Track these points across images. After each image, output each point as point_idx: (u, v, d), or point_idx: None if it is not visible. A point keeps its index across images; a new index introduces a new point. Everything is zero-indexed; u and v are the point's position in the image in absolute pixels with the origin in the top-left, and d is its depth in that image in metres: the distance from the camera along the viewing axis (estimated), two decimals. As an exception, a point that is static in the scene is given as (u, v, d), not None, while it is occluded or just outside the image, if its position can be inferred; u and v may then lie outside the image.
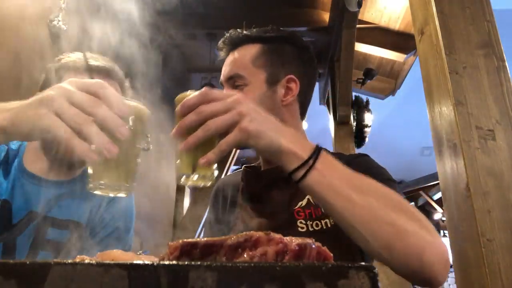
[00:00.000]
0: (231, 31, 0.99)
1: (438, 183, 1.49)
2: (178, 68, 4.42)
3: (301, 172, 0.59)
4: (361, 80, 4.33)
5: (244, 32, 0.97)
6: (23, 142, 1.03)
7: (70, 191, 1.00)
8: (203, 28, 4.01)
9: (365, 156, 0.93)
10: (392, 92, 4.83)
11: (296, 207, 0.83)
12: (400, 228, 0.58)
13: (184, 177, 0.61)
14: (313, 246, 0.34)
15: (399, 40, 3.95)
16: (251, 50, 0.94)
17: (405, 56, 3.96)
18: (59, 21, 2.08)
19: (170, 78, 4.03)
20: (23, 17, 1.88)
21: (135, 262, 0.26)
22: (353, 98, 4.29)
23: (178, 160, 0.62)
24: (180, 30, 3.97)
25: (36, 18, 1.98)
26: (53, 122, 0.50)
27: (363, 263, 0.26)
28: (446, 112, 1.37)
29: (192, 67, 4.71)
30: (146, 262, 0.26)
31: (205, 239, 0.32)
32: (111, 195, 0.59)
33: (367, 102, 4.38)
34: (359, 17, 3.62)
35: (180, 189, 4.43)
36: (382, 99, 4.98)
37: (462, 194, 1.25)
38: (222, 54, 1.00)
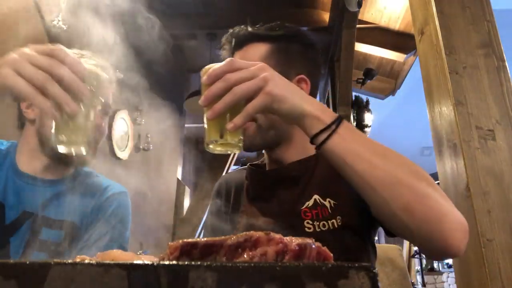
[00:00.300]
0: (235, 28, 0.93)
1: (438, 183, 1.48)
2: (178, 68, 4.42)
3: (323, 136, 0.61)
4: (361, 80, 4.33)
5: (250, 29, 0.91)
6: (13, 142, 1.02)
7: (63, 190, 0.99)
8: (203, 28, 4.01)
9: None
10: (392, 92, 4.83)
11: (303, 207, 0.82)
12: (420, 191, 0.59)
13: (212, 143, 0.63)
14: (313, 246, 0.34)
15: (399, 40, 3.94)
16: (259, 50, 0.89)
17: (405, 56, 3.96)
18: (59, 21, 2.08)
19: (170, 78, 4.03)
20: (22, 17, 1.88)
21: (135, 262, 0.26)
22: (353, 98, 4.29)
23: (206, 128, 0.64)
24: (180, 30, 3.97)
25: (35, 17, 1.98)
26: (16, 80, 0.54)
27: (363, 263, 0.26)
28: (446, 112, 1.37)
29: (192, 67, 4.71)
30: (146, 262, 0.26)
31: (205, 239, 0.32)
32: (67, 150, 0.62)
33: (367, 102, 4.38)
34: (359, 17, 3.62)
35: (180, 189, 4.43)
36: (382, 99, 4.97)
37: (462, 194, 1.25)
38: (224, 53, 0.94)
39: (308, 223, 0.80)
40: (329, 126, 0.61)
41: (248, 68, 0.62)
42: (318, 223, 0.79)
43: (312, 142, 0.63)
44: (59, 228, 0.94)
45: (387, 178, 0.59)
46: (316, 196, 0.83)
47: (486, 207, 1.19)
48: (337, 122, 0.62)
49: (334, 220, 0.79)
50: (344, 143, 0.61)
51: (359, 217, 0.79)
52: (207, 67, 0.66)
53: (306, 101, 0.63)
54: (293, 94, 0.62)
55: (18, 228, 0.91)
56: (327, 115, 0.62)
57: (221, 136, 0.62)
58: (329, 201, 0.81)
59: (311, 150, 0.88)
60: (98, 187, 1.04)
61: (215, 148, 0.64)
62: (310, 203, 0.82)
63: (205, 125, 0.64)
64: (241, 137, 0.64)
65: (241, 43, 0.90)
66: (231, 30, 0.93)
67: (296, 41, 0.92)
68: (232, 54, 0.91)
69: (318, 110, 0.63)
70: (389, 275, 1.27)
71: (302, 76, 0.90)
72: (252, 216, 0.87)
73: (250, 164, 0.98)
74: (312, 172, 0.86)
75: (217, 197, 1.01)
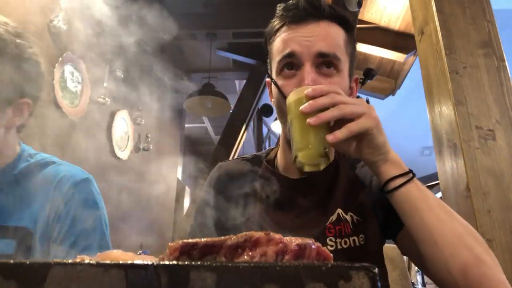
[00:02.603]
0: None
1: (438, 183, 1.48)
2: (178, 68, 4.42)
3: (401, 180, 0.62)
4: (361, 80, 4.33)
5: (332, 5, 0.79)
6: None
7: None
8: (203, 28, 4.01)
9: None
10: (392, 92, 4.83)
11: (328, 223, 0.78)
12: (478, 255, 0.59)
13: (300, 155, 0.63)
14: (313, 246, 0.34)
15: (399, 40, 3.94)
16: (341, 32, 0.79)
17: (405, 56, 3.96)
18: (59, 21, 2.08)
19: (170, 78, 4.03)
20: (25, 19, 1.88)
21: (135, 262, 0.26)
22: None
23: (296, 138, 0.64)
24: (180, 30, 3.97)
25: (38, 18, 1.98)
26: None
27: (363, 263, 0.26)
28: (446, 112, 1.36)
29: (192, 67, 4.71)
30: (146, 262, 0.26)
31: (204, 239, 0.32)
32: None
33: (367, 102, 4.37)
34: (359, 17, 3.62)
35: (180, 189, 4.43)
36: (382, 99, 4.97)
37: (462, 194, 1.25)
38: (293, 18, 0.78)
39: (331, 240, 0.76)
40: (407, 173, 0.63)
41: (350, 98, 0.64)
42: (340, 240, 0.76)
43: (384, 184, 0.64)
44: (5, 236, 0.79)
45: (451, 235, 0.60)
46: (339, 210, 0.79)
47: (486, 207, 1.19)
48: (412, 172, 0.64)
49: (355, 237, 0.76)
50: (419, 193, 0.62)
51: (381, 237, 0.78)
52: (296, 89, 0.66)
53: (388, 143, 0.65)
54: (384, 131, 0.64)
55: None
56: (403, 163, 0.65)
57: (309, 148, 0.62)
58: (351, 216, 0.78)
59: (334, 152, 0.85)
60: (50, 180, 0.86)
61: (305, 162, 0.63)
62: (334, 217, 0.78)
63: (292, 136, 0.64)
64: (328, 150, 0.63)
65: (322, 15, 0.77)
66: None
67: (354, 35, 0.84)
68: (299, 22, 0.77)
69: (397, 155, 0.65)
70: (389, 275, 1.27)
71: (357, 76, 0.85)
72: (269, 224, 0.80)
73: (266, 161, 0.89)
74: (334, 181, 0.82)
75: (216, 189, 0.89)
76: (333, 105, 0.61)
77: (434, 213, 0.61)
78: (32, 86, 0.86)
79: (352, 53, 0.81)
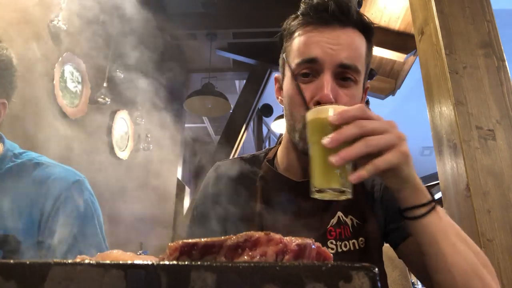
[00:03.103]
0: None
1: (438, 183, 1.48)
2: (178, 68, 4.42)
3: (423, 210, 0.61)
4: (361, 80, 4.33)
5: (358, 11, 0.76)
6: None
7: None
8: (203, 28, 4.01)
9: None
10: (392, 92, 4.83)
11: (329, 226, 0.77)
12: (489, 285, 0.61)
13: (325, 192, 0.58)
14: (313, 246, 0.34)
15: (399, 40, 3.95)
16: (363, 41, 0.76)
17: (405, 56, 3.96)
18: (59, 21, 2.08)
19: (170, 78, 4.03)
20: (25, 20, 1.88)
21: (135, 262, 0.26)
22: (353, 98, 4.28)
23: (315, 171, 0.59)
24: (180, 30, 3.97)
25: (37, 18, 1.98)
26: None
27: (363, 263, 0.26)
28: (446, 112, 1.36)
29: (192, 67, 4.71)
30: (146, 262, 0.26)
31: (204, 239, 0.32)
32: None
33: (367, 102, 4.38)
34: (359, 17, 3.62)
35: (180, 189, 4.43)
36: (382, 99, 4.98)
37: (462, 194, 1.25)
38: (318, 20, 0.74)
39: (331, 243, 0.76)
40: (430, 202, 0.61)
41: (379, 119, 0.58)
42: (340, 243, 0.76)
43: (405, 211, 0.62)
44: None
45: (465, 265, 0.60)
46: (339, 213, 0.78)
47: (486, 207, 1.19)
48: (434, 201, 0.62)
49: (355, 241, 0.76)
50: (439, 222, 0.62)
51: (381, 241, 0.78)
52: (316, 108, 0.61)
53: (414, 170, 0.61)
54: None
55: None
56: (426, 191, 0.62)
57: (331, 183, 0.57)
58: (351, 219, 0.78)
59: None
60: (41, 182, 0.81)
61: (324, 196, 0.59)
62: (334, 221, 0.78)
63: (312, 165, 0.59)
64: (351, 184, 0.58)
65: (348, 21, 0.74)
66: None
67: (372, 43, 0.81)
68: (323, 25, 0.74)
69: (421, 182, 0.62)
70: (389, 275, 1.27)
71: (368, 85, 0.82)
72: (270, 225, 0.79)
73: (267, 161, 0.87)
74: None
75: (213, 189, 0.88)
76: (359, 136, 0.55)
77: (451, 242, 0.61)
78: (6, 86, 0.83)
79: (369, 63, 0.79)
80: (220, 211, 0.84)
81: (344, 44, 0.72)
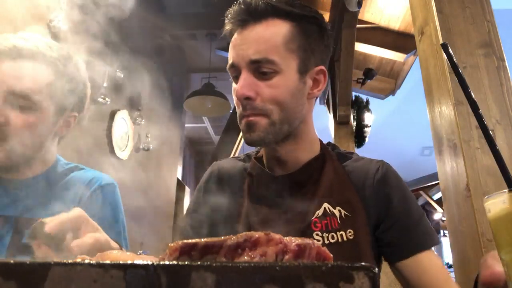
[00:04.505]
0: None
1: (438, 183, 1.48)
2: (178, 68, 4.42)
3: None
4: (361, 80, 4.34)
5: (269, 1, 0.77)
6: None
7: (35, 189, 0.93)
8: (203, 28, 4.01)
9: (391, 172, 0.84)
10: (392, 92, 4.84)
11: (313, 218, 0.77)
12: None
13: None
14: (313, 246, 0.34)
15: (399, 40, 3.95)
16: (281, 28, 0.76)
17: (405, 56, 3.97)
18: (59, 21, 2.08)
19: (170, 78, 4.03)
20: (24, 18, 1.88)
21: (135, 262, 0.26)
22: (353, 98, 4.29)
23: None
24: (180, 30, 3.97)
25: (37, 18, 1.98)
26: None
27: (363, 263, 0.26)
28: (446, 112, 1.37)
29: (192, 67, 4.71)
30: (146, 262, 0.26)
31: (204, 240, 0.32)
32: None
33: (367, 102, 4.38)
34: (359, 17, 3.62)
35: (180, 189, 4.44)
36: (382, 99, 4.98)
37: (462, 194, 1.25)
38: (235, 25, 0.79)
39: (317, 234, 0.76)
40: None
41: None
42: (327, 234, 0.76)
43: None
44: None
45: None
46: (326, 205, 0.78)
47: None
48: None
49: (343, 233, 0.76)
50: None
51: (371, 236, 0.77)
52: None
53: None
54: None
55: None
56: None
57: None
58: (339, 210, 0.78)
59: (316, 148, 0.85)
60: (81, 181, 0.98)
61: None
62: (320, 212, 0.78)
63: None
64: None
65: (259, 15, 0.76)
66: (240, 0, 0.78)
67: (314, 22, 0.80)
68: (240, 27, 0.78)
69: None
70: (389, 275, 1.27)
71: (322, 67, 0.81)
72: (256, 220, 0.80)
73: (255, 158, 0.89)
74: (319, 175, 0.82)
75: (207, 186, 0.92)
76: None
77: None
78: (80, 103, 1.00)
79: (305, 46, 0.77)
80: (211, 206, 0.88)
81: (251, 40, 0.75)
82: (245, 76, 0.75)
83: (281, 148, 0.81)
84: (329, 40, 0.83)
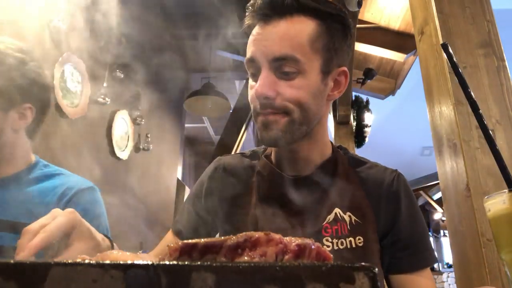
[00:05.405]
0: None
1: (438, 183, 1.48)
2: (178, 68, 4.42)
3: None
4: (361, 80, 4.34)
5: None
6: None
7: (8, 190, 0.91)
8: (203, 28, 4.01)
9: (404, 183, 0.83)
10: (392, 92, 4.84)
11: (325, 223, 0.76)
12: None
13: None
14: (313, 246, 0.34)
15: (399, 40, 3.95)
16: (308, 26, 0.72)
17: (405, 56, 3.97)
18: (59, 21, 2.08)
19: (170, 78, 4.03)
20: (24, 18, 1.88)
21: (135, 262, 0.26)
22: (353, 98, 4.29)
23: None
24: (180, 30, 3.97)
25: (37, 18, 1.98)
26: None
27: (363, 263, 0.26)
28: (446, 112, 1.37)
29: (192, 67, 4.71)
30: (146, 262, 0.26)
31: (204, 240, 0.33)
32: None
33: (367, 102, 4.39)
34: (359, 17, 3.62)
35: (180, 189, 4.43)
36: (382, 99, 4.98)
37: (462, 194, 1.25)
38: (257, 19, 0.75)
39: (327, 240, 0.75)
40: None
41: None
42: (336, 240, 0.75)
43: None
44: (14, 231, 0.85)
45: None
46: (337, 210, 0.77)
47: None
48: None
49: (351, 239, 0.74)
50: None
51: (379, 245, 0.77)
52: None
53: None
54: None
55: None
56: None
57: None
58: (349, 216, 0.76)
59: (328, 151, 0.83)
60: (58, 187, 0.95)
61: None
62: (331, 217, 0.76)
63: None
64: None
65: (284, 10, 0.72)
66: None
67: (339, 21, 0.76)
68: (263, 21, 0.74)
69: None
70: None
71: (344, 68, 0.79)
72: (265, 221, 0.78)
73: (265, 156, 0.86)
74: (331, 179, 0.80)
75: (211, 180, 0.89)
76: None
77: None
78: (33, 94, 0.96)
79: (329, 45, 0.74)
80: (213, 201, 0.85)
81: (276, 37, 0.71)
82: (265, 74, 0.72)
83: (295, 148, 0.78)
84: (352, 39, 0.80)
